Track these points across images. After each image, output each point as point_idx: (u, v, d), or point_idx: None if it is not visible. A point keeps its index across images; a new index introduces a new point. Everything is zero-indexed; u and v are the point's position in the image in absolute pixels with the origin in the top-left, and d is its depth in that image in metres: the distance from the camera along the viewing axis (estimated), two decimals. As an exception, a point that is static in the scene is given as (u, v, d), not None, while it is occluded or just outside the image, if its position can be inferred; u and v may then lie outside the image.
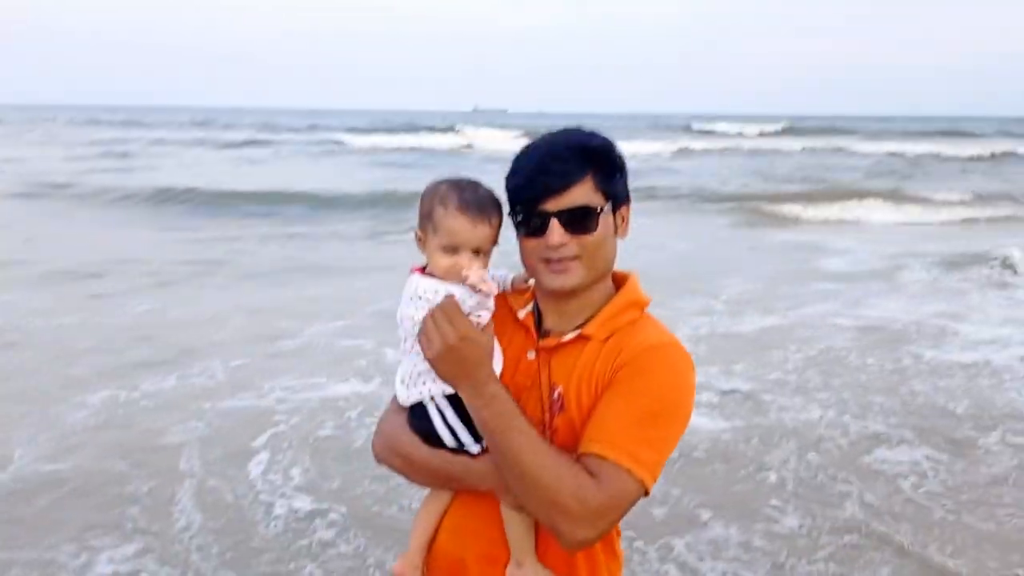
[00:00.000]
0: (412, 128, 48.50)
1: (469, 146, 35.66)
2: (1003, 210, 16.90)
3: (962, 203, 17.55)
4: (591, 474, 1.44)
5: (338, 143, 35.86)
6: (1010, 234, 13.56)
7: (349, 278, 9.64)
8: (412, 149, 33.49)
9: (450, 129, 46.38)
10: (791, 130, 54.76)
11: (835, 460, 4.84)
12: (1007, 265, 9.59)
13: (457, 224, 1.54)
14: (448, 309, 1.48)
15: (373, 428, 4.96)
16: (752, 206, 16.81)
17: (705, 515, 4.18)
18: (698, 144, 37.73)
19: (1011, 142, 40.43)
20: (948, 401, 5.76)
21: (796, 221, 15.41)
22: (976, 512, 4.26)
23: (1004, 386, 6.12)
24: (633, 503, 1.48)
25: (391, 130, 47.05)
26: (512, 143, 34.01)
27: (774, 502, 4.32)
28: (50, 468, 4.58)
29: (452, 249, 1.55)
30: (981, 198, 18.42)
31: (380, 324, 7.40)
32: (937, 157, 31.61)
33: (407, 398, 1.60)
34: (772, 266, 10.63)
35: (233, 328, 7.38)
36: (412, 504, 4.28)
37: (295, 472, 4.63)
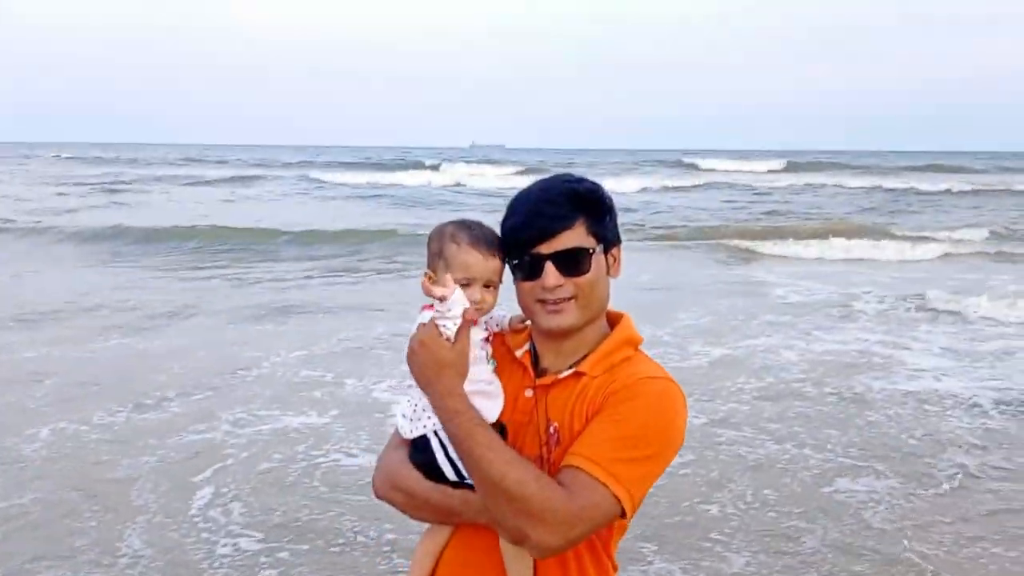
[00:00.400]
0: (404, 165, 48.61)
1: (457, 184, 35.80)
2: (978, 247, 16.89)
3: (946, 240, 17.57)
4: (565, 484, 1.50)
5: (318, 181, 35.52)
6: (970, 268, 13.79)
7: (313, 315, 9.67)
8: (394, 186, 33.43)
9: (435, 167, 46.71)
10: (792, 166, 55.18)
11: (793, 493, 4.88)
12: (923, 306, 9.76)
13: (471, 258, 1.66)
14: (424, 321, 1.61)
15: (318, 461, 5.00)
16: (724, 242, 16.89)
17: (649, 550, 4.20)
18: (685, 180, 38.07)
19: (1007, 177, 40.87)
20: (902, 431, 5.89)
21: (764, 256, 15.46)
22: (933, 540, 4.33)
23: (947, 414, 6.30)
24: (607, 518, 1.53)
25: (382, 166, 47.15)
26: (499, 180, 34.71)
27: (723, 538, 4.32)
28: (1, 504, 4.61)
29: (465, 283, 1.66)
30: (962, 235, 18.42)
31: (338, 358, 7.55)
32: (931, 192, 31.68)
33: (410, 431, 1.68)
34: (730, 300, 10.76)
35: (194, 362, 7.45)
36: (358, 538, 4.34)
37: (238, 507, 4.66)
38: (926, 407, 6.43)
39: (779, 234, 17.39)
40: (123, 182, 32.60)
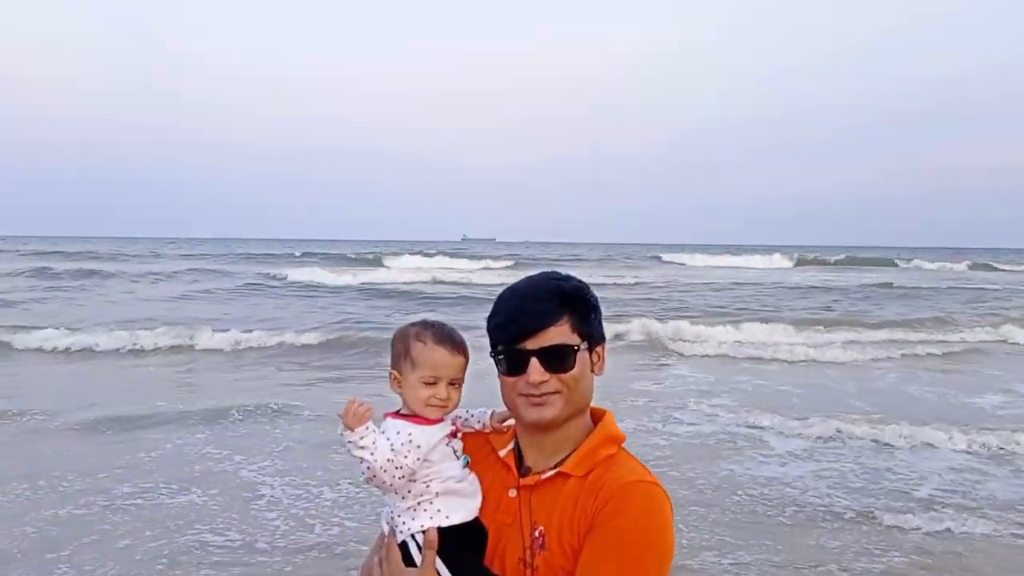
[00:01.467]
0: (376, 262, 48.13)
1: (433, 280, 35.08)
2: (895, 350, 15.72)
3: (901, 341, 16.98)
4: None
5: (276, 277, 33.10)
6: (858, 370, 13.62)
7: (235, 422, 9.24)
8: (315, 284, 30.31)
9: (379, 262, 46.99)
10: (803, 262, 56.17)
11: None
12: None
13: (438, 355, 1.79)
14: (384, 553, 1.77)
15: (178, 540, 5.44)
16: (636, 337, 16.38)
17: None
18: (650, 274, 38.99)
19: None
20: (768, 508, 6.38)
21: (671, 352, 15.14)
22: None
23: (811, 492, 6.84)
24: None
25: (357, 262, 46.76)
26: (476, 275, 34.92)
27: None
28: None
29: (432, 381, 1.78)
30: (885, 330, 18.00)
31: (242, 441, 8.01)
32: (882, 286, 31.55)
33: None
34: (602, 389, 11.15)
35: (92, 440, 7.91)
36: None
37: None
38: (794, 485, 6.97)
39: (697, 328, 17.21)
40: (61, 276, 30.86)
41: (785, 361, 14.23)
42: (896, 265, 55.73)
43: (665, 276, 38.55)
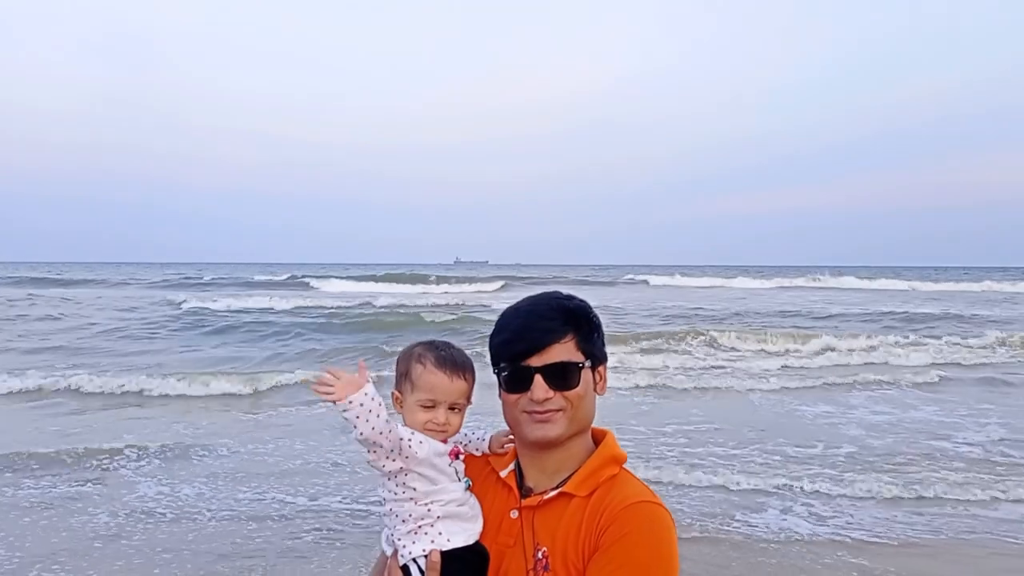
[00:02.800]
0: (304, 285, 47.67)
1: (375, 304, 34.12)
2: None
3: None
4: None
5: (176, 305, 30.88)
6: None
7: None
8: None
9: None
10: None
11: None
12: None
13: (436, 379, 1.80)
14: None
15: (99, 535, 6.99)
16: None
17: None
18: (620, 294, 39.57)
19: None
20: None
21: None
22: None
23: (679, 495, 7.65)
24: None
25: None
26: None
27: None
28: None
29: (430, 404, 1.80)
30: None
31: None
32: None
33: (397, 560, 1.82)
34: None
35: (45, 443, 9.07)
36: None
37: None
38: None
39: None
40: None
41: (658, 386, 14.48)
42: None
43: (630, 297, 38.79)
